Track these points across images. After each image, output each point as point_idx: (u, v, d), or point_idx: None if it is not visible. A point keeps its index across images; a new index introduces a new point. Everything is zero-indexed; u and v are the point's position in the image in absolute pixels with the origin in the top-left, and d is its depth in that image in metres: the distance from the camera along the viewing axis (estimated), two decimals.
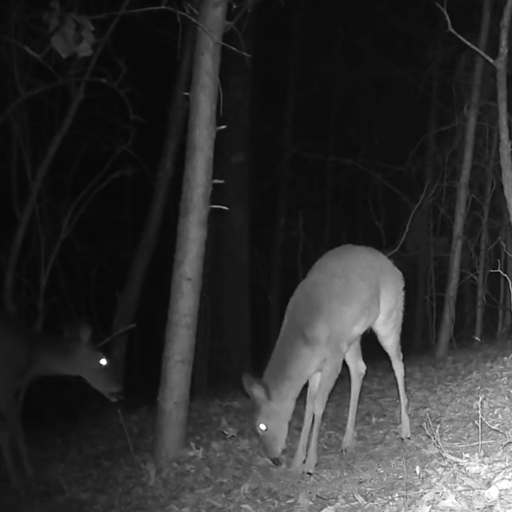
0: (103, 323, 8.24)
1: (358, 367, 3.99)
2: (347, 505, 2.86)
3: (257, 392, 3.49)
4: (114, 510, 3.70)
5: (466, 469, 2.54)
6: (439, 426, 3.46)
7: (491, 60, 4.71)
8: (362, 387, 4.12)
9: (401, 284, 3.91)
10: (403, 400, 3.85)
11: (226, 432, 4.29)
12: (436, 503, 2.32)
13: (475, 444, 3.04)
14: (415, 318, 9.64)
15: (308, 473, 3.48)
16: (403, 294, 3.92)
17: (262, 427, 3.54)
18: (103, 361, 4.52)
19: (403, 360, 3.96)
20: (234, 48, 4.10)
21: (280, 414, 3.55)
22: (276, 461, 3.63)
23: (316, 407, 3.61)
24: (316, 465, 3.53)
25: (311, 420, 3.66)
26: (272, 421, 3.53)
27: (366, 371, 4.06)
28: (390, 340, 3.88)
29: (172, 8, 3.97)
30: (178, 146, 6.91)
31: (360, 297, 3.65)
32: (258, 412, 3.52)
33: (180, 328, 4.06)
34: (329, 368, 3.57)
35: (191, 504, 3.39)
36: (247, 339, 8.71)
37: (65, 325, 4.60)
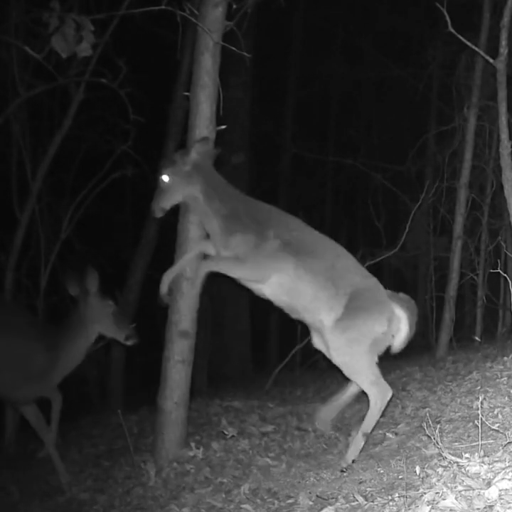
0: None
1: None
2: (347, 505, 2.86)
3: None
4: (114, 510, 3.70)
5: (466, 469, 2.54)
6: (439, 426, 3.46)
7: (491, 60, 4.70)
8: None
9: None
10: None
11: (226, 432, 4.29)
12: (436, 503, 2.32)
13: (475, 444, 3.04)
14: None
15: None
16: None
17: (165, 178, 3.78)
18: (111, 304, 4.51)
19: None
20: (234, 48, 4.10)
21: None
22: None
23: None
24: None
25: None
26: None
27: None
28: None
29: (172, 8, 3.97)
30: (178, 146, 6.91)
31: None
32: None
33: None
34: None
35: (191, 504, 3.39)
36: (247, 339, 8.71)
37: (68, 280, 4.51)
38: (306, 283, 3.61)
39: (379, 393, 3.53)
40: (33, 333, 4.45)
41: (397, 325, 3.61)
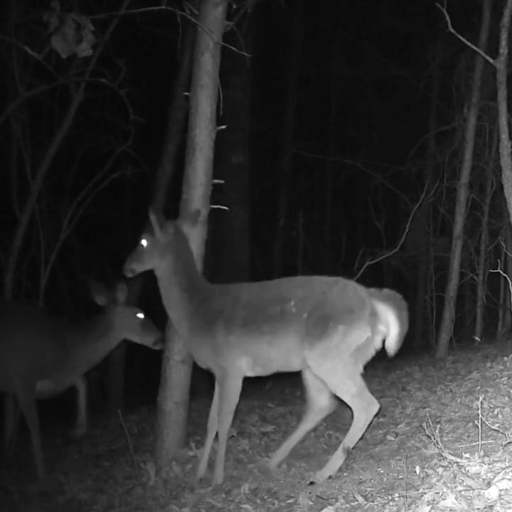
0: None
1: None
2: (347, 505, 2.86)
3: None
4: (114, 510, 3.70)
5: (466, 469, 2.54)
6: (439, 426, 3.46)
7: (491, 60, 4.70)
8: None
9: None
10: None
11: None
12: (436, 503, 2.32)
13: (475, 444, 3.04)
14: (415, 318, 9.64)
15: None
16: None
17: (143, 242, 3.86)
18: (140, 314, 4.73)
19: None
20: (234, 48, 4.10)
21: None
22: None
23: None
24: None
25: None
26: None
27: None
28: None
29: (172, 8, 3.97)
30: (178, 146, 6.91)
31: None
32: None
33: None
34: None
35: (191, 504, 3.39)
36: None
37: (94, 290, 4.73)
38: (272, 350, 3.55)
39: (362, 407, 3.37)
40: (47, 330, 4.62)
41: (385, 325, 3.43)
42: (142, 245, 3.88)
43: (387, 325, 3.45)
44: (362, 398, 3.38)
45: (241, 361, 3.60)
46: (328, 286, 3.52)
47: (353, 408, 3.40)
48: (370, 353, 3.48)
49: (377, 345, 3.47)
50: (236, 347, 3.57)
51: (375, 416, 3.45)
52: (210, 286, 3.87)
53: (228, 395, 3.63)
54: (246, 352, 3.57)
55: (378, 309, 3.44)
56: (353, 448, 3.42)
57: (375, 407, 3.40)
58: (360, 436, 3.42)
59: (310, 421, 3.74)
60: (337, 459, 3.39)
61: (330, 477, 3.32)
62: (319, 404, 3.68)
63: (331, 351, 3.38)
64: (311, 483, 3.32)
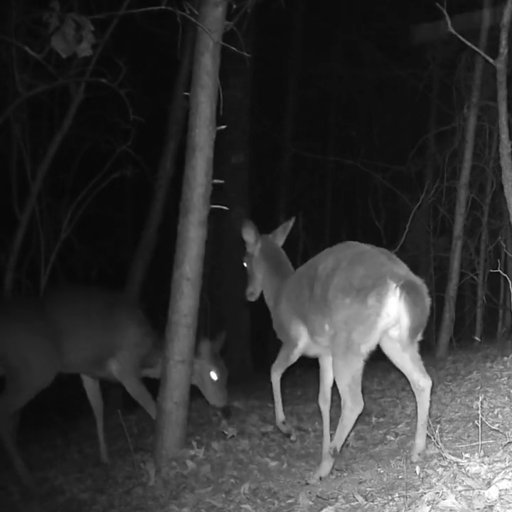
0: None
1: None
2: (347, 505, 2.86)
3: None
4: (114, 510, 3.70)
5: (466, 469, 2.54)
6: (439, 426, 3.46)
7: (491, 60, 4.70)
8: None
9: None
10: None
11: (226, 432, 4.30)
12: (436, 503, 2.32)
13: (475, 444, 3.04)
14: None
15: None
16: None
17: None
18: (214, 375, 4.75)
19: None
20: (234, 48, 4.10)
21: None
22: None
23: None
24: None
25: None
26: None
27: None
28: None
29: (172, 8, 3.97)
30: (178, 146, 6.91)
31: None
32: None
33: (181, 328, 4.07)
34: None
35: (191, 504, 3.39)
36: (247, 339, 8.71)
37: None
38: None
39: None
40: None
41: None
42: (244, 266, 4.09)
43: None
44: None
45: None
46: None
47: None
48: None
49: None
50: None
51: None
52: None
53: None
54: None
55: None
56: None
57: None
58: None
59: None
60: (328, 461, 3.37)
61: (320, 478, 3.32)
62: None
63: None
64: (307, 483, 3.34)
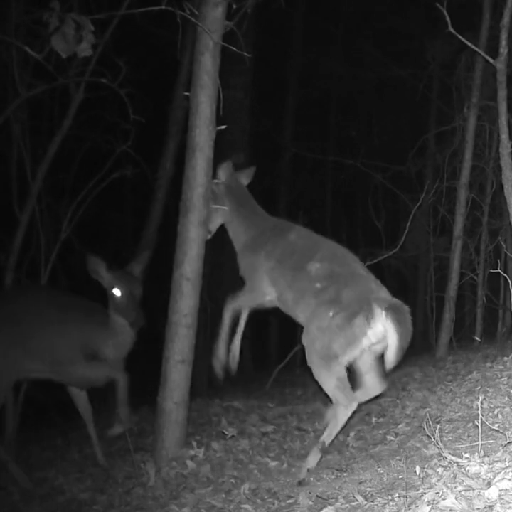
0: None
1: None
2: (347, 505, 2.86)
3: None
4: (114, 510, 3.70)
5: (466, 469, 2.54)
6: (439, 426, 3.46)
7: (491, 60, 4.70)
8: None
9: None
10: None
11: (226, 432, 4.30)
12: (436, 503, 2.32)
13: (475, 444, 3.04)
14: (415, 318, 9.63)
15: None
16: None
17: None
18: (117, 291, 4.46)
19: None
20: (234, 48, 4.10)
21: None
22: None
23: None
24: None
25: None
26: None
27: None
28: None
29: (172, 8, 3.97)
30: (178, 146, 6.90)
31: None
32: None
33: (181, 328, 4.06)
34: None
35: (191, 504, 3.39)
36: (247, 339, 8.70)
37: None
38: None
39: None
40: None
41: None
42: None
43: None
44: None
45: None
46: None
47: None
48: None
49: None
50: None
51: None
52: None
53: None
54: None
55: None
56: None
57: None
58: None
59: None
60: (315, 454, 3.49)
61: (308, 470, 3.41)
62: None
63: None
64: (299, 482, 3.38)
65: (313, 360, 3.46)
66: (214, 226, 4.22)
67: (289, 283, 3.73)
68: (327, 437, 3.41)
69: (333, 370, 3.41)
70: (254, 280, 3.91)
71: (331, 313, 3.43)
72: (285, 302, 3.78)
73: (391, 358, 3.38)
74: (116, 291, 4.44)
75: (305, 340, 3.53)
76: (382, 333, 3.36)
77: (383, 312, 3.34)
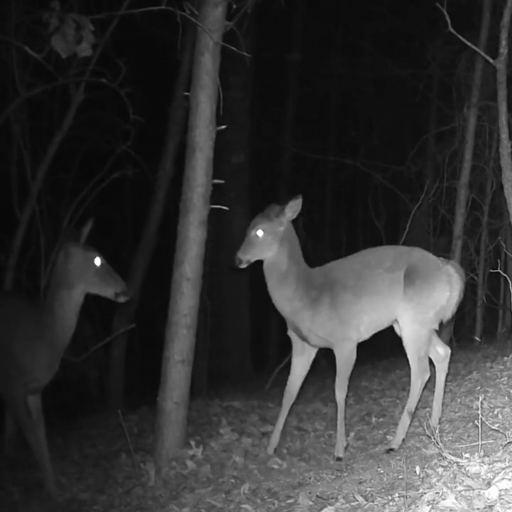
0: (103, 323, 8.24)
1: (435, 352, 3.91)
2: (347, 505, 2.86)
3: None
4: (114, 510, 3.70)
5: (466, 469, 2.54)
6: (439, 426, 3.46)
7: (491, 60, 4.70)
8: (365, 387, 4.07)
9: None
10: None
11: (226, 432, 4.29)
12: (436, 503, 2.32)
13: (475, 444, 3.04)
14: None
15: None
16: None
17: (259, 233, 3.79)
18: (97, 260, 4.09)
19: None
20: (234, 48, 4.10)
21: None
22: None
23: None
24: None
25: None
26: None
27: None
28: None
29: (172, 8, 3.97)
30: (178, 146, 6.90)
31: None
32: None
33: (180, 328, 4.07)
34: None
35: (191, 504, 3.39)
36: (247, 339, 8.71)
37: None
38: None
39: (420, 371, 3.71)
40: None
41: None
42: (257, 236, 3.79)
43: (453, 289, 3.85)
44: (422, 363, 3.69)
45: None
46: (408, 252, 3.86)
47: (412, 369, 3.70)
48: (451, 311, 3.92)
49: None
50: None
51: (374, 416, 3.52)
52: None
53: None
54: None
55: (450, 272, 3.81)
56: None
57: (428, 374, 3.73)
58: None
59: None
60: (404, 423, 3.67)
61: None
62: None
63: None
64: (390, 450, 3.58)
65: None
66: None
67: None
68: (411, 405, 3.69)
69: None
70: (345, 320, 3.87)
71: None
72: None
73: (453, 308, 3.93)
74: (98, 261, 4.08)
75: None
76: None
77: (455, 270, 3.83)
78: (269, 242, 3.78)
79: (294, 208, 3.79)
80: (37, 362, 4.08)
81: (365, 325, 3.78)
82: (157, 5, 3.96)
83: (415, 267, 3.73)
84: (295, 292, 3.78)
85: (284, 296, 3.79)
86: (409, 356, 3.71)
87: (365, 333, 3.83)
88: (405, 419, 3.68)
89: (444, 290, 3.78)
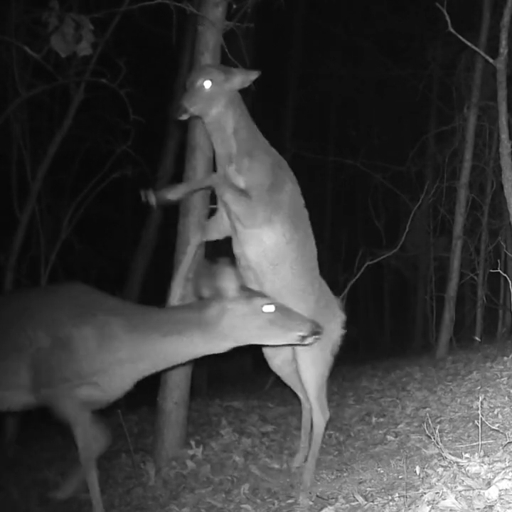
0: None
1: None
2: (347, 505, 2.86)
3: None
4: (114, 510, 3.70)
5: (466, 469, 2.54)
6: (439, 426, 3.46)
7: (491, 60, 4.70)
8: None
9: None
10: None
11: (226, 432, 4.29)
12: (436, 503, 2.32)
13: (475, 444, 3.04)
14: (415, 318, 9.64)
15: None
16: None
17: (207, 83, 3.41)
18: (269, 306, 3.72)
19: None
20: (234, 49, 4.10)
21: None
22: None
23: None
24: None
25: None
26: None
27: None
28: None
29: (171, 6, 3.96)
30: (178, 146, 6.90)
31: None
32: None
33: None
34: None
35: (191, 504, 3.39)
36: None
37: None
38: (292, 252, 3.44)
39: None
40: None
41: None
42: (204, 87, 3.41)
43: None
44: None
45: None
46: None
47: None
48: None
49: None
50: None
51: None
52: None
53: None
54: None
55: None
56: None
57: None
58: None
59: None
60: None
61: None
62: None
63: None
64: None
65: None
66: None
67: None
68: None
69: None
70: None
71: None
72: None
73: None
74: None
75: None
76: None
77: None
78: (215, 97, 3.43)
79: (249, 75, 3.69)
80: None
81: None
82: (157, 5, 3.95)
83: None
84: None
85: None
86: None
87: None
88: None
89: None
